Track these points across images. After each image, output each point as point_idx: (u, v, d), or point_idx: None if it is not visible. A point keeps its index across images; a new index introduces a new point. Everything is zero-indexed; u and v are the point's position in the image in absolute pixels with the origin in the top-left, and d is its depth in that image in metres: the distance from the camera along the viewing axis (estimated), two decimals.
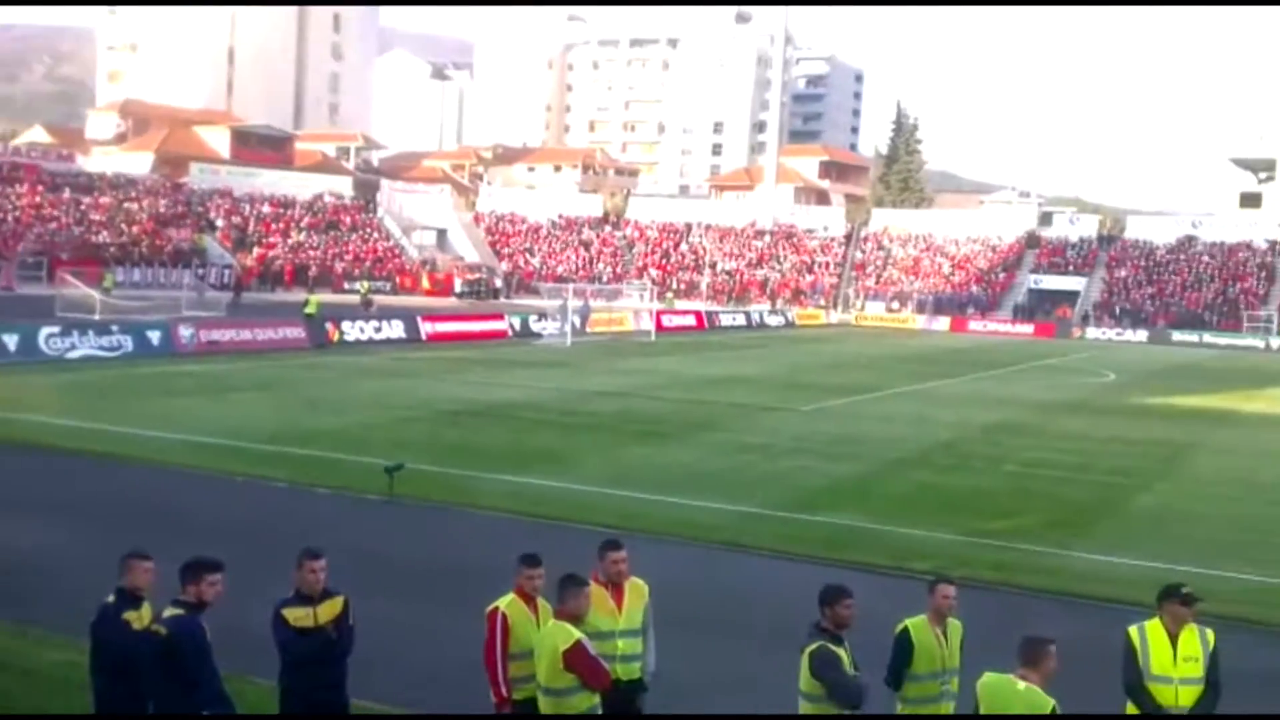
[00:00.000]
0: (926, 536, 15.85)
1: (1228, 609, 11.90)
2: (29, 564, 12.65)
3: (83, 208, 68.72)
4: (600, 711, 7.02)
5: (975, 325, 77.73)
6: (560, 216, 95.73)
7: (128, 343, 35.21)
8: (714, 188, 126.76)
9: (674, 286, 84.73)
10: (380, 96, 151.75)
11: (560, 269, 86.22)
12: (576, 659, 6.80)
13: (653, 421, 26.32)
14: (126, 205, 71.07)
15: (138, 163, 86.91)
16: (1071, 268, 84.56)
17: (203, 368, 33.06)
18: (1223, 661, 7.26)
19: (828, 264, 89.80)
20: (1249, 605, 12.94)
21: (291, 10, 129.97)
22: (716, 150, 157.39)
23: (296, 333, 41.66)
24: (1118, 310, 78.47)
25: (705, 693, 9.91)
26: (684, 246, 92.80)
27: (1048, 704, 6.39)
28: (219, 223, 74.70)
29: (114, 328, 36.12)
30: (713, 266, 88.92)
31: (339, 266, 76.01)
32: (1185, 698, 7.11)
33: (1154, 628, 7.29)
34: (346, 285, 71.18)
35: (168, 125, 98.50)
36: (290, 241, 76.70)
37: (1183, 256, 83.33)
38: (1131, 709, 7.24)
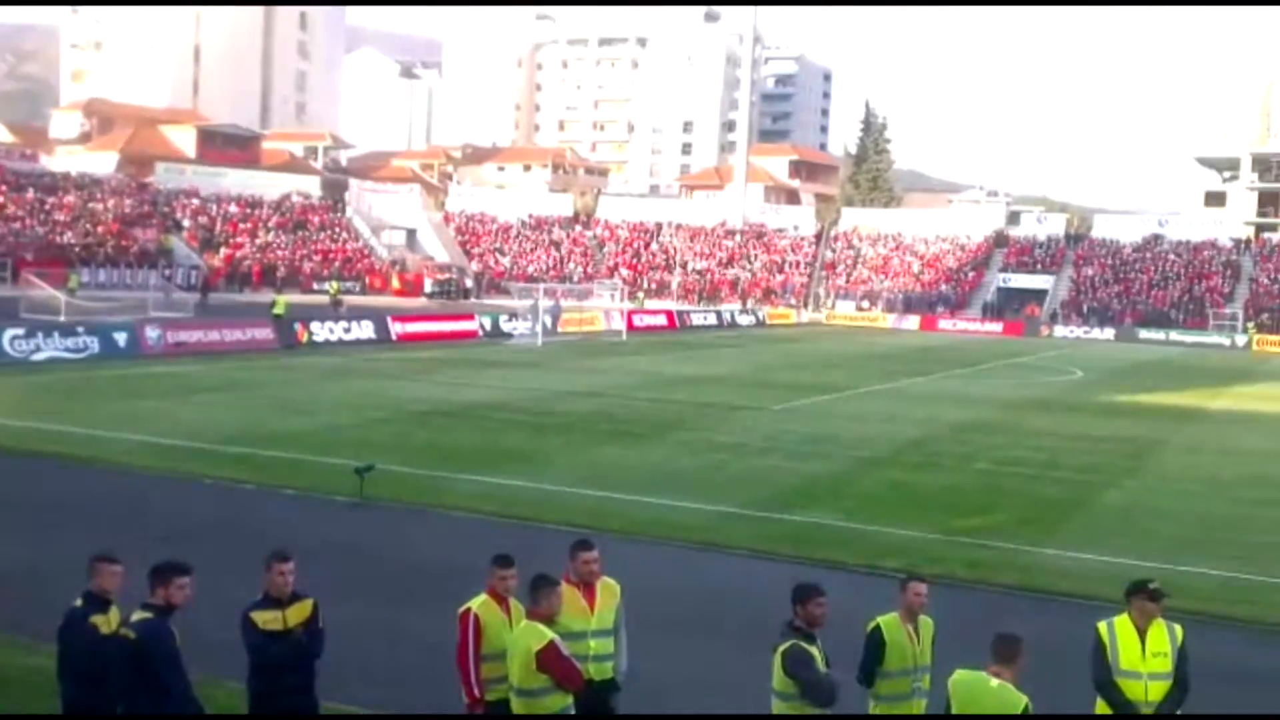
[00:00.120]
0: (898, 534, 15.91)
1: (1195, 605, 12.02)
2: None
3: (47, 208, 68.00)
4: (573, 712, 7.01)
5: (945, 324, 78.16)
6: (530, 216, 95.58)
7: (94, 344, 34.88)
8: (684, 187, 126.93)
9: (645, 286, 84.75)
10: (348, 95, 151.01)
11: (531, 269, 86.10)
12: (550, 659, 6.78)
13: (624, 421, 26.31)
14: (91, 205, 70.39)
15: (102, 162, 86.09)
16: (1039, 266, 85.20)
17: (170, 369, 32.79)
18: (1191, 656, 7.31)
19: (798, 263, 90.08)
20: (1216, 601, 13.06)
21: (257, 9, 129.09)
22: (686, 149, 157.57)
23: (265, 334, 41.39)
24: (1085, 308, 79.09)
25: (678, 692, 9.90)
26: (654, 246, 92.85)
27: (1020, 701, 6.43)
28: (185, 223, 74.10)
29: (79, 329, 35.75)
30: (683, 266, 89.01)
31: (307, 267, 75.58)
32: (1154, 693, 7.15)
33: (1123, 623, 7.34)
34: (315, 285, 70.80)
35: (133, 124, 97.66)
36: (258, 242, 76.19)
37: (1149, 255, 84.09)
38: (1101, 705, 7.29)
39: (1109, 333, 74.83)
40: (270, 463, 19.24)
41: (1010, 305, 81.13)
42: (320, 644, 7.36)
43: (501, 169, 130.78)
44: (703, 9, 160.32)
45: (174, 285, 59.55)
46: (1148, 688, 7.16)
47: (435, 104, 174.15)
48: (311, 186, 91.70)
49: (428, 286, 76.29)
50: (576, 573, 7.66)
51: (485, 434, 23.56)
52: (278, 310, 44.40)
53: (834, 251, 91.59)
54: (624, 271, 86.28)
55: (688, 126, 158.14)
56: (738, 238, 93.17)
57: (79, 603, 6.91)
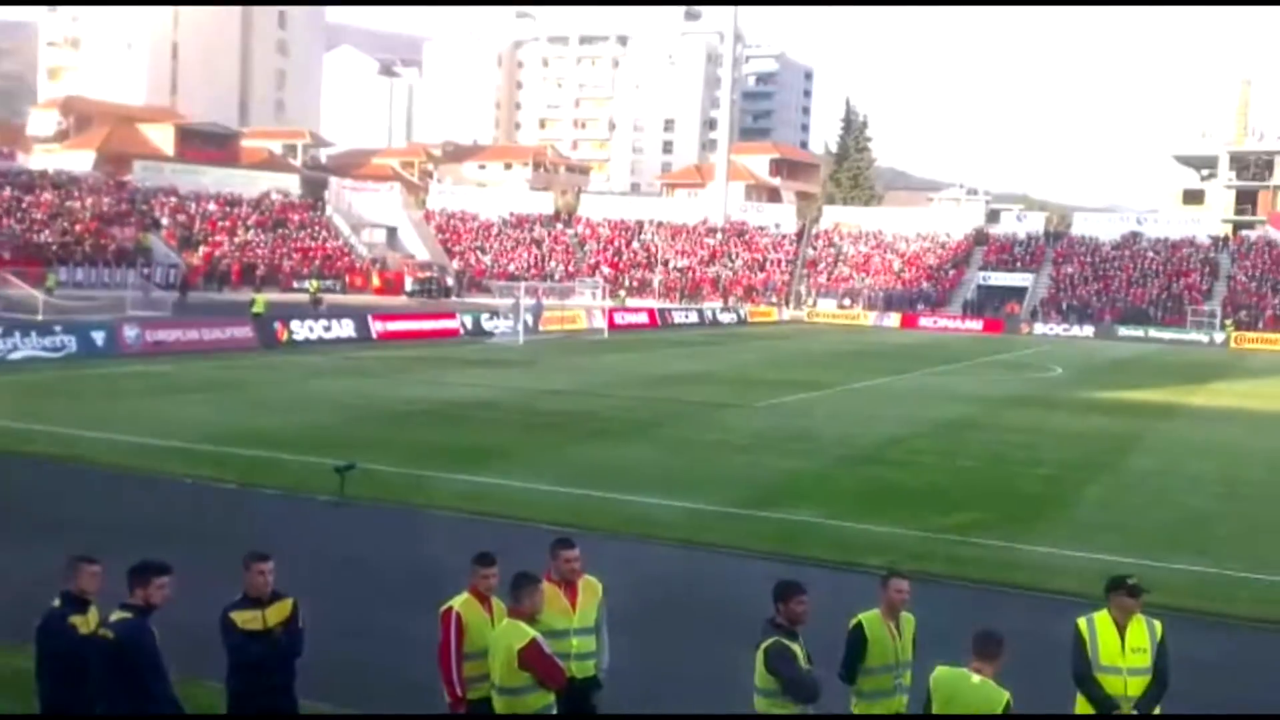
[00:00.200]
0: (879, 531, 15.95)
1: (1175, 600, 12.05)
2: None
3: (24, 206, 67.56)
4: (555, 710, 7.00)
5: (926, 322, 78.44)
6: (511, 214, 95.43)
7: (71, 343, 34.66)
8: (665, 185, 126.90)
9: (626, 284, 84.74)
10: (328, 93, 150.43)
11: (512, 267, 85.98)
12: (532, 657, 6.77)
13: (606, 419, 26.29)
14: (69, 204, 69.96)
15: (80, 160, 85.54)
16: (1019, 264, 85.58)
17: (149, 368, 32.62)
18: (1171, 651, 7.35)
19: (779, 261, 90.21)
20: (1196, 596, 13.13)
21: (236, 7, 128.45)
22: (668, 148, 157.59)
23: (244, 332, 41.21)
24: (1064, 306, 79.45)
25: (660, 690, 9.91)
26: (636, 244, 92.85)
27: (1002, 697, 6.46)
28: (164, 221, 73.73)
29: (57, 328, 35.53)
30: (665, 264, 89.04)
31: (287, 265, 75.30)
32: (1133, 688, 7.19)
33: (1102, 619, 7.38)
34: (295, 284, 70.53)
35: (110, 122, 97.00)
36: (237, 240, 75.86)
37: (1128, 253, 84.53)
38: (1081, 700, 7.32)
39: (1088, 330, 75.21)
40: (250, 462, 19.15)
41: (990, 303, 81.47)
42: (300, 643, 7.33)
43: (482, 167, 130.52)
44: (684, 7, 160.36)
45: (152, 284, 59.25)
46: (1127, 683, 7.20)
47: (415, 102, 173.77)
48: (291, 185, 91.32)
49: (408, 285, 76.12)
50: (558, 571, 7.66)
51: (467, 433, 23.52)
52: (257, 309, 44.23)
53: (815, 249, 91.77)
54: (605, 270, 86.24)
55: (669, 125, 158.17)
56: (719, 236, 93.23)
57: (57, 603, 6.87)
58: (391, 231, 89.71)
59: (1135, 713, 7.14)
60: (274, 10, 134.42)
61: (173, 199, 76.83)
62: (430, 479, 18.17)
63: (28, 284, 46.18)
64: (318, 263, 77.21)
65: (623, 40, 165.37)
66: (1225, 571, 14.59)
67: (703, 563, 14.38)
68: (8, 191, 68.35)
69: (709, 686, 9.94)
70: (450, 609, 7.35)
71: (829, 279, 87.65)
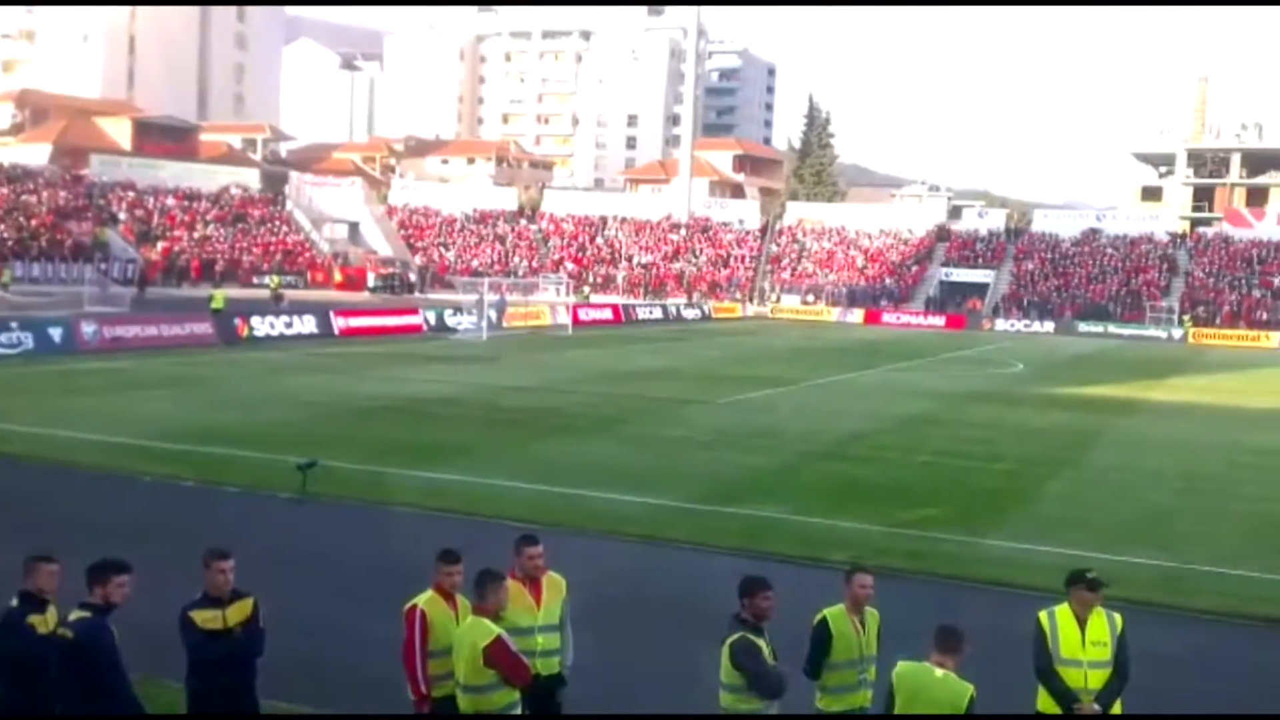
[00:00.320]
0: (843, 527, 16.01)
1: (1136, 594, 12.18)
2: None
3: None
4: (520, 707, 6.97)
5: (889, 318, 78.86)
6: (475, 210, 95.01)
7: (28, 340, 34.20)
8: (629, 181, 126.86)
9: (590, 280, 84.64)
10: (288, 87, 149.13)
11: (475, 263, 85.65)
12: (497, 654, 6.74)
13: (570, 415, 26.26)
14: (24, 198, 68.93)
15: (35, 154, 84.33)
16: (981, 260, 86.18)
17: (107, 365, 32.26)
18: (1132, 644, 7.42)
19: (743, 257, 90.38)
20: (1157, 590, 13.27)
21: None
22: (631, 143, 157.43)
23: (204, 328, 40.83)
24: (1025, 302, 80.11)
25: (625, 686, 9.90)
26: (600, 240, 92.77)
27: (967, 689, 6.51)
28: (121, 216, 72.84)
29: (13, 324, 35.00)
30: (629, 260, 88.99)
31: (247, 260, 74.61)
32: (1094, 680, 7.25)
33: (1063, 613, 7.44)
34: (255, 280, 69.89)
35: (66, 116, 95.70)
36: (196, 235, 75.06)
37: (1087, 249, 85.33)
38: (1043, 694, 7.38)
39: (1049, 326, 75.87)
40: (210, 459, 18.98)
41: (952, 299, 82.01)
42: (261, 643, 7.27)
43: (445, 162, 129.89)
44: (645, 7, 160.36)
45: (110, 280, 58.49)
46: (1087, 675, 7.26)
47: (377, 96, 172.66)
48: (251, 179, 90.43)
49: (371, 281, 75.62)
50: (522, 568, 7.63)
51: (430, 429, 23.41)
52: (216, 305, 43.80)
53: (779, 246, 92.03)
54: (569, 266, 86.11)
55: (632, 120, 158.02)
56: (683, 231, 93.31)
57: (15, 603, 6.80)
58: (353, 227, 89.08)
59: (1096, 706, 7.20)
60: None
61: (130, 193, 75.92)
62: (393, 476, 18.08)
63: None
64: (278, 258, 76.54)
65: (586, 35, 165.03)
66: (1185, 565, 14.75)
67: (667, 559, 14.39)
68: None
69: (674, 682, 9.95)
70: (415, 606, 7.31)
71: (793, 275, 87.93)
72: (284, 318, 44.95)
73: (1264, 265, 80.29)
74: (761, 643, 6.97)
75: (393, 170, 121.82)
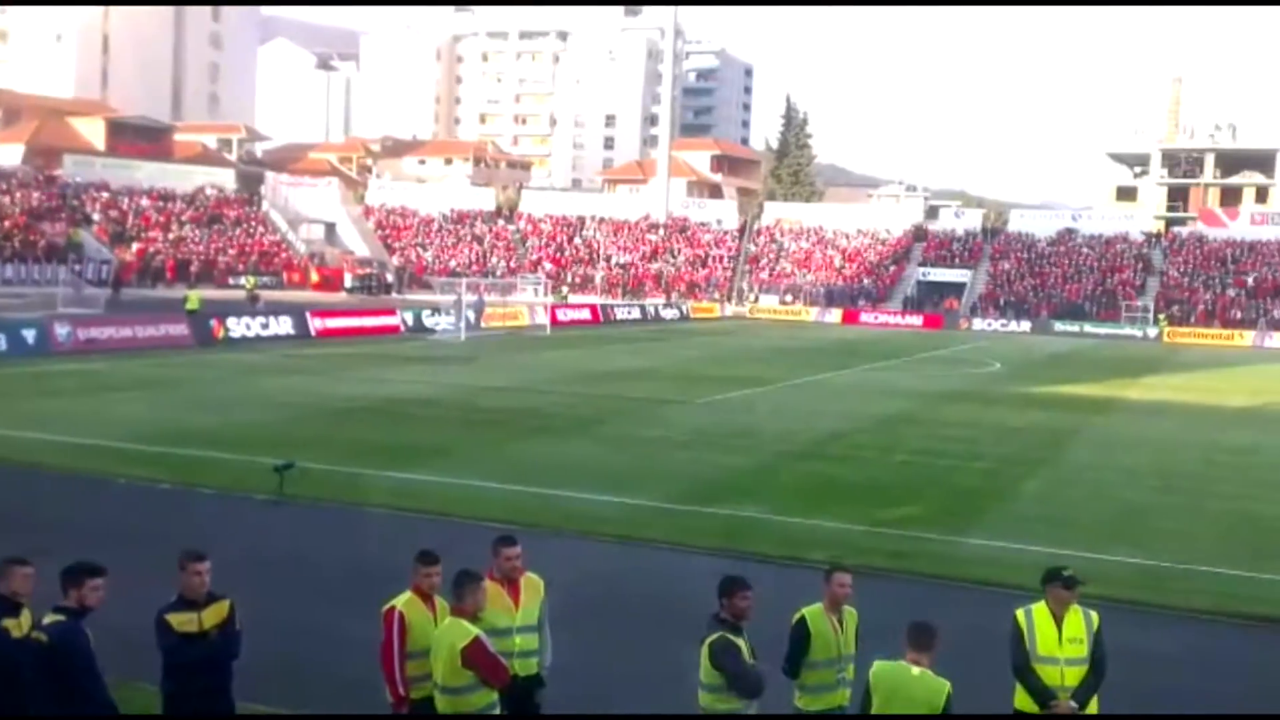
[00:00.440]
0: (821, 526, 16.03)
1: (1113, 591, 12.24)
2: None
3: None
4: (498, 709, 6.96)
5: (867, 317, 79.05)
6: (452, 210, 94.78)
7: (1, 341, 33.92)
8: (607, 181, 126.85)
9: (569, 280, 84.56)
10: (263, 87, 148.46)
11: (453, 263, 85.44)
12: (476, 655, 6.72)
13: (548, 416, 26.22)
14: None
15: (8, 154, 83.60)
16: (957, 260, 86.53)
17: (81, 367, 32.03)
18: (1109, 642, 7.45)
19: (721, 257, 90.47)
20: (1134, 588, 13.33)
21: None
22: (609, 144, 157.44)
23: (179, 330, 40.59)
24: (1002, 302, 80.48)
25: (604, 687, 9.88)
26: (578, 240, 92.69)
27: (944, 686, 6.54)
28: (95, 216, 72.33)
29: None
30: (607, 260, 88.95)
31: (222, 261, 74.21)
32: (1070, 678, 7.28)
33: (1040, 610, 7.47)
34: (231, 280, 69.53)
35: (39, 115, 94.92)
36: (171, 236, 74.62)
37: (1063, 249, 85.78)
38: (1020, 692, 7.41)
39: (1025, 325, 76.20)
40: (186, 461, 18.87)
41: (930, 298, 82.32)
42: (238, 645, 7.22)
43: (422, 162, 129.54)
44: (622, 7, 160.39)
45: (84, 281, 58.12)
46: (1064, 673, 7.29)
47: (353, 96, 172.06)
48: (226, 179, 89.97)
49: (348, 281, 75.33)
50: (500, 569, 7.61)
51: (407, 430, 23.33)
52: (191, 306, 43.54)
53: (757, 246, 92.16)
54: (547, 266, 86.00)
55: (610, 120, 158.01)
56: (661, 232, 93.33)
57: None
58: (330, 227, 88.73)
59: (1073, 703, 7.23)
60: None
61: (104, 194, 75.41)
62: (370, 477, 18.02)
63: None
64: (254, 259, 76.17)
65: (563, 36, 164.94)
66: (1162, 563, 14.84)
67: (645, 559, 14.38)
68: None
69: (653, 683, 9.93)
70: (393, 608, 7.29)
71: (771, 275, 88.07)
72: (260, 319, 44.71)
73: (1238, 264, 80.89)
74: (740, 642, 6.97)
75: (369, 170, 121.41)
